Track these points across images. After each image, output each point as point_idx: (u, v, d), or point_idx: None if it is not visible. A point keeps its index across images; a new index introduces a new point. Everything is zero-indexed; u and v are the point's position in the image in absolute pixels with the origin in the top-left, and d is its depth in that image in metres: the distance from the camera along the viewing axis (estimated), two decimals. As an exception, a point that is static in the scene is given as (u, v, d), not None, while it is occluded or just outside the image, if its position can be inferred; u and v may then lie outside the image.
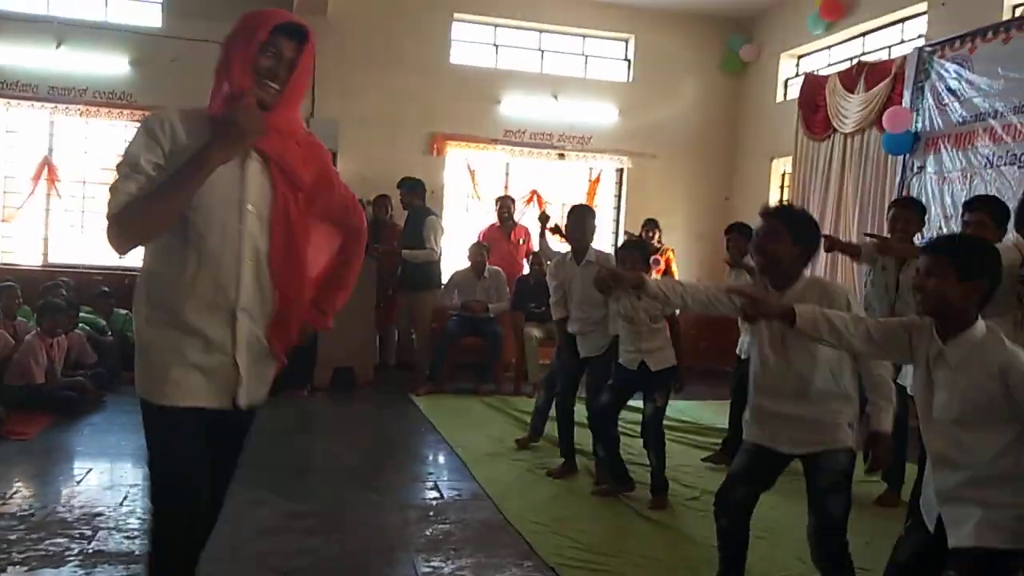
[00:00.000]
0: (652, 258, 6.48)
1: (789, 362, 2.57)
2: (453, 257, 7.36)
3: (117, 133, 7.42)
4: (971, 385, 2.00)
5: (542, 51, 8.64)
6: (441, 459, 4.93)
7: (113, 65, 7.35)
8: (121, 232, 1.86)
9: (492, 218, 7.69)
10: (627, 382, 4.15)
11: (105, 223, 1.87)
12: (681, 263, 8.25)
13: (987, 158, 5.27)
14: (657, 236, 7.55)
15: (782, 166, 8.20)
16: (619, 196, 8.85)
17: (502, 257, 7.35)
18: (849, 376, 2.59)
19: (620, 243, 4.92)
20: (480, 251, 7.05)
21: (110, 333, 6.42)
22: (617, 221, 8.79)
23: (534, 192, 8.40)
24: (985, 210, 3.39)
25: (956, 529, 2.03)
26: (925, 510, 2.19)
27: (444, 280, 7.06)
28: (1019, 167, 5.03)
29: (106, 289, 6.83)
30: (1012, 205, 3.43)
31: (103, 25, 7.41)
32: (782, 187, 8.30)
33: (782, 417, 2.61)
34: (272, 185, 1.98)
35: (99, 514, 3.52)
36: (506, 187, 8.36)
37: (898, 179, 6.09)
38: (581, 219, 4.55)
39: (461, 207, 8.35)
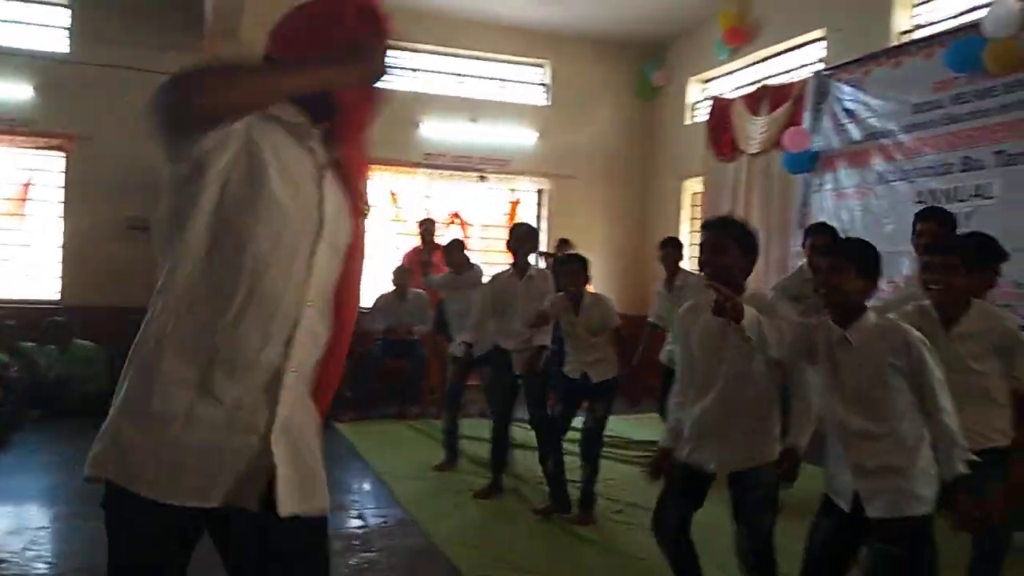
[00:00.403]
0: None
1: (720, 369, 2.67)
2: (377, 281, 7.30)
3: (20, 161, 7.13)
4: (875, 362, 2.29)
5: (461, 75, 8.74)
6: (366, 486, 4.88)
7: (16, 91, 7.05)
8: (200, 81, 1.25)
9: (415, 241, 7.70)
10: (573, 391, 4.27)
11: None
12: (600, 279, 8.41)
13: (880, 174, 5.59)
14: (571, 255, 7.70)
15: (693, 186, 8.49)
16: (540, 217, 8.99)
17: (426, 280, 7.36)
18: (775, 387, 2.69)
19: (558, 258, 5.10)
20: (403, 274, 7.05)
21: (15, 369, 6.12)
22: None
23: (455, 215, 8.46)
24: (933, 219, 3.64)
25: (874, 501, 2.26)
26: (836, 493, 2.38)
27: (365, 303, 7.01)
28: (909, 182, 5.37)
29: (10, 323, 6.52)
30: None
31: (5, 50, 7.11)
32: (693, 207, 8.59)
33: (711, 434, 2.68)
34: (347, 208, 1.57)
35: (2, 561, 3.35)
36: (428, 210, 8.39)
37: (800, 196, 6.39)
38: (525, 235, 4.69)
39: (384, 230, 8.32)
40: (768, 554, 2.65)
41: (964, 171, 4.97)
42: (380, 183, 8.21)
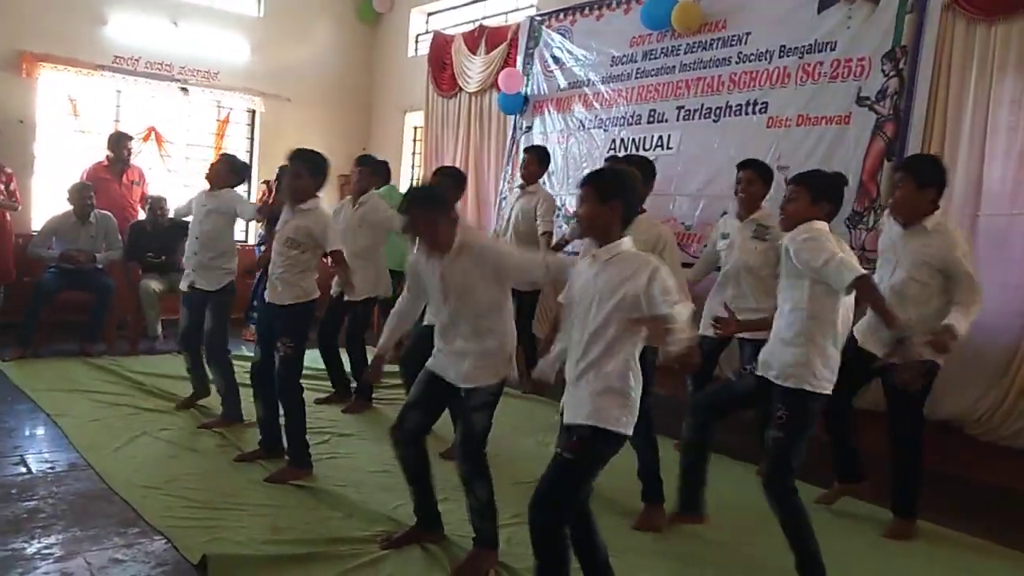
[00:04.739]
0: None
1: (447, 299, 2.76)
2: (51, 200, 6.35)
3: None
4: (612, 280, 2.35)
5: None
6: (36, 431, 4.27)
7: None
8: None
9: (99, 155, 6.79)
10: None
11: None
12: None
13: (580, 121, 5.96)
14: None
15: (415, 119, 8.45)
16: (252, 139, 8.39)
17: (113, 200, 6.55)
18: (502, 317, 2.80)
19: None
20: (84, 193, 6.19)
21: None
22: (251, 165, 8.34)
23: (151, 129, 7.58)
24: (752, 168, 3.74)
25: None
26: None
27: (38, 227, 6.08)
28: (604, 130, 5.80)
29: None
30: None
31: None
32: (415, 140, 8.57)
33: (452, 352, 2.80)
34: None
35: None
36: (117, 121, 7.42)
37: (509, 136, 6.63)
38: None
39: (61, 140, 7.21)
40: (477, 449, 2.81)
41: (650, 123, 5.47)
42: (55, 85, 7.08)
